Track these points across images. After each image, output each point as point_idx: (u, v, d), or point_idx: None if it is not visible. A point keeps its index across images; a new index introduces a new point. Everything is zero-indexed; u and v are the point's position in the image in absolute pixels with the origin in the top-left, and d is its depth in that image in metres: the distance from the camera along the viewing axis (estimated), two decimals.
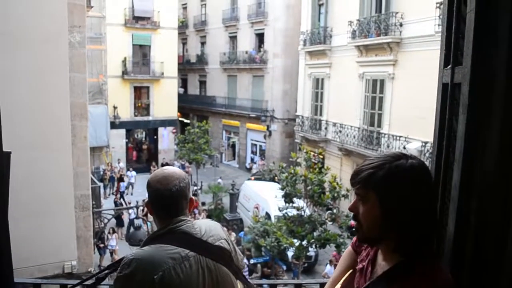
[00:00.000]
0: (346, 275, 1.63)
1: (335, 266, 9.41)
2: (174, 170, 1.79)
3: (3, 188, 1.34)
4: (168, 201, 1.71)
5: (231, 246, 1.84)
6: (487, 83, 1.19)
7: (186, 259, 1.62)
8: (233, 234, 14.41)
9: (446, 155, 1.40)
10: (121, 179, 22.32)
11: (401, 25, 15.67)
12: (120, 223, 16.33)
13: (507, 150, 1.17)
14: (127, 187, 22.23)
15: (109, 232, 14.33)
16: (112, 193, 21.92)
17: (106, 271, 1.94)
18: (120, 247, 13.80)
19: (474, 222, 1.26)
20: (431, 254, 1.29)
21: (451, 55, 1.37)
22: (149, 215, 1.84)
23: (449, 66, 1.38)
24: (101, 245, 13.20)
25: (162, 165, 23.96)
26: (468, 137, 1.24)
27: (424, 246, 1.25)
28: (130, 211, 16.10)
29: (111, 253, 13.77)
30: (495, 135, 1.18)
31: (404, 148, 14.40)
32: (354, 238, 1.70)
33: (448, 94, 1.38)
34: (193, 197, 1.83)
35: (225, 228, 1.94)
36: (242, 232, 15.67)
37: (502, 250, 1.19)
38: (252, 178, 21.96)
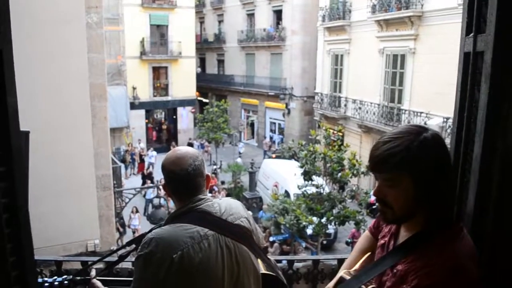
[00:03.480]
0: (364, 257, 1.62)
1: None
2: (186, 149, 1.77)
3: (22, 168, 1.35)
4: (185, 182, 1.70)
5: (251, 225, 1.83)
6: (511, 51, 1.14)
7: (205, 238, 1.62)
8: (250, 213, 14.38)
9: (467, 127, 1.36)
10: (141, 159, 22.62)
11: None
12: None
13: None
14: (147, 168, 22.57)
15: (132, 212, 14.56)
16: (133, 173, 22.24)
17: (128, 250, 1.97)
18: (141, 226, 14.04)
19: (495, 195, 1.23)
20: (453, 222, 1.29)
21: (473, 23, 1.32)
22: None
23: (471, 34, 1.32)
24: (121, 229, 13.16)
25: (189, 144, 24.16)
26: (490, 107, 1.19)
27: (445, 215, 1.26)
28: (150, 190, 16.34)
29: (134, 232, 14.02)
30: None
31: (425, 124, 14.16)
32: (372, 222, 1.69)
33: (470, 64, 1.33)
34: (209, 174, 1.82)
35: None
36: (261, 211, 15.72)
37: None
38: (274, 156, 22.00)
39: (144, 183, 18.94)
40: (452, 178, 1.26)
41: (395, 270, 1.27)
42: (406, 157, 1.19)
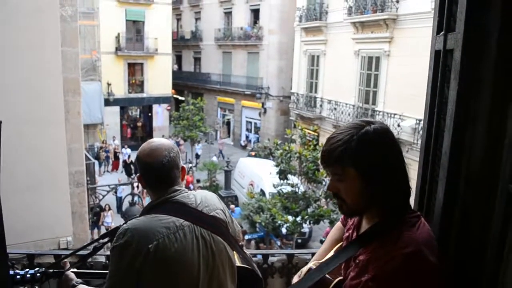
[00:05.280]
0: (336, 247, 1.64)
1: None
2: (161, 141, 1.77)
3: None
4: (160, 174, 1.70)
5: (227, 217, 1.84)
6: (479, 48, 1.18)
7: (181, 228, 1.63)
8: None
9: (437, 123, 1.41)
10: (116, 157, 22.30)
11: (397, 1, 15.50)
12: None
13: (498, 116, 1.17)
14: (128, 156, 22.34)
15: (104, 209, 14.36)
16: (107, 171, 21.91)
17: (102, 242, 1.96)
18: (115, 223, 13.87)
19: (463, 189, 1.28)
20: (411, 211, 1.32)
21: (444, 21, 1.36)
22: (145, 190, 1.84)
23: (442, 33, 1.37)
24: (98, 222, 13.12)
25: None
26: (459, 103, 1.23)
27: (401, 205, 1.29)
28: (121, 188, 16.19)
29: (107, 230, 13.83)
30: (486, 101, 1.18)
31: (398, 125, 14.43)
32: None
33: (440, 61, 1.37)
34: (184, 166, 1.83)
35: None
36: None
37: (490, 216, 1.21)
38: (253, 153, 22.00)
39: (128, 172, 18.96)
40: (401, 169, 1.27)
41: (357, 261, 1.30)
42: (345, 151, 1.23)
